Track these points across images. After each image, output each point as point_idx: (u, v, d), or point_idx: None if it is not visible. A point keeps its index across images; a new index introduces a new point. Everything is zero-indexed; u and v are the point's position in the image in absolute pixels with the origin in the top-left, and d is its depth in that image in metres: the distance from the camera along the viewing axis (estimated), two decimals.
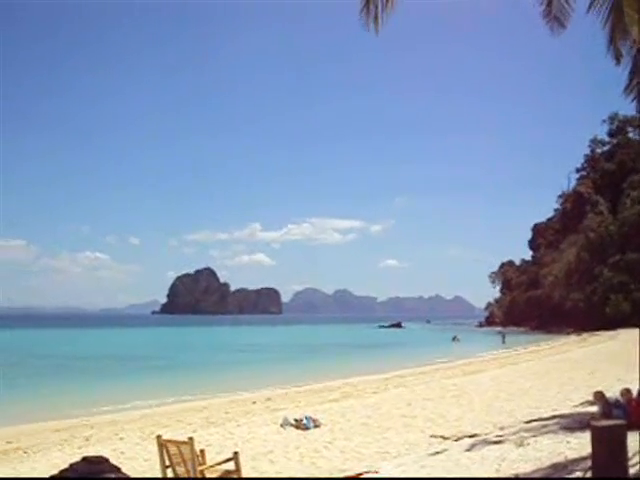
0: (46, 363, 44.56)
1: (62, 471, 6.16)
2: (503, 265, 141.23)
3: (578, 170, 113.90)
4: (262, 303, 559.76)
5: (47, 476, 6.89)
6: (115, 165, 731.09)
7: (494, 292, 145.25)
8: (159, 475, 8.78)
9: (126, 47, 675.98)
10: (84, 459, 6.20)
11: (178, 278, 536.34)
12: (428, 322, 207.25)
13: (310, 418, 16.34)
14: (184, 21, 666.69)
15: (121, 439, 15.87)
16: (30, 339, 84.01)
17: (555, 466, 8.40)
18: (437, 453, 11.22)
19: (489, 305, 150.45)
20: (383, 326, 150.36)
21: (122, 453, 13.30)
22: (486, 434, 13.06)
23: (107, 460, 6.23)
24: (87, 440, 15.94)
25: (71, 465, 6.20)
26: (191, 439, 8.20)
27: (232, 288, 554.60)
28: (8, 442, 16.15)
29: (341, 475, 10.49)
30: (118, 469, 6.20)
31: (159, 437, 8.72)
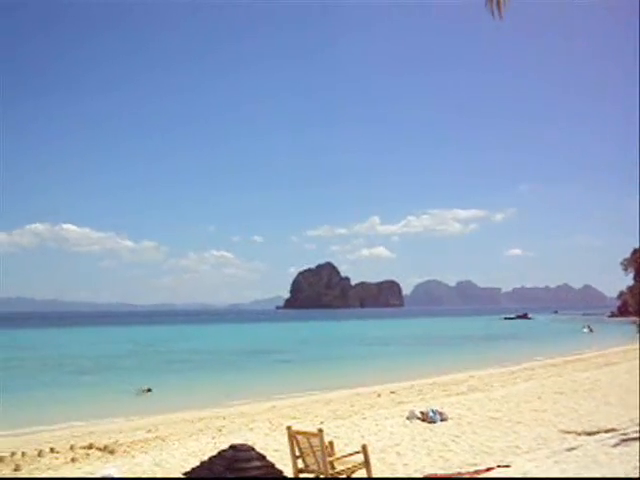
0: (177, 357, 46.72)
1: (212, 457, 6.43)
2: (636, 251, 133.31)
3: None
4: (383, 296, 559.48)
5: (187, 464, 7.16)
6: (237, 167, 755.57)
7: (627, 280, 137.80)
8: (289, 465, 8.98)
9: (244, 35, 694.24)
10: (232, 447, 6.44)
11: (300, 273, 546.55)
12: (556, 312, 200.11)
13: (436, 411, 16.18)
14: (315, 12, 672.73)
15: (251, 430, 16.34)
16: (162, 334, 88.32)
17: None
18: (572, 449, 10.79)
19: (621, 294, 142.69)
20: (509, 317, 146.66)
21: (253, 444, 13.70)
22: (624, 429, 12.42)
23: (253, 448, 6.44)
24: (219, 431, 16.52)
25: (220, 452, 6.46)
26: (321, 431, 8.32)
27: (353, 282, 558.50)
28: (148, 431, 17.05)
29: (471, 469, 10.32)
30: (263, 457, 6.39)
31: (289, 428, 8.91)
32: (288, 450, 9.00)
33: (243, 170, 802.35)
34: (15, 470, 12.32)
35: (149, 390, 27.06)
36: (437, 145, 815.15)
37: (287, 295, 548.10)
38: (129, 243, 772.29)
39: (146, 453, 13.57)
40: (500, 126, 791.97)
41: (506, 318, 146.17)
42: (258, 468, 6.20)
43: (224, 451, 6.40)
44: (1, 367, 40.00)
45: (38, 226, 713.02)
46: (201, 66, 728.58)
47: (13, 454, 13.85)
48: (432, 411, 16.17)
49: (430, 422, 15.56)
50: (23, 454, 13.84)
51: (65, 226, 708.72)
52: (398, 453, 12.11)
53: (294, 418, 17.87)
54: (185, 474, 6.59)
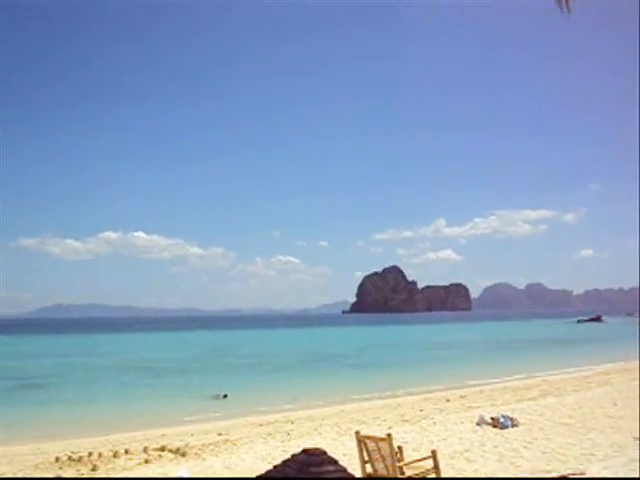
0: (245, 361, 47.36)
1: (285, 461, 6.49)
2: None
3: None
4: (451, 300, 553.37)
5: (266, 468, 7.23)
6: (301, 172, 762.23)
7: None
8: (358, 470, 8.98)
9: (313, 36, 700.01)
10: (304, 451, 6.49)
11: (366, 277, 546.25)
12: (630, 315, 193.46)
13: (507, 417, 15.90)
14: (380, 12, 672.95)
15: (320, 434, 16.40)
16: (230, 339, 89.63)
17: None
18: None
19: None
20: (582, 320, 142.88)
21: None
22: None
23: (325, 452, 6.47)
24: (288, 435, 16.64)
25: (292, 456, 6.52)
26: (389, 435, 8.27)
27: (420, 285, 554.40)
28: (219, 434, 17.33)
29: (544, 476, 10.11)
30: (335, 461, 6.42)
31: (358, 433, 8.90)
32: (356, 455, 8.97)
33: (307, 175, 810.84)
34: (92, 470, 12.75)
35: (225, 396, 27.43)
36: (504, 145, 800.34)
37: (353, 299, 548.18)
38: (197, 250, 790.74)
39: (217, 456, 13.80)
40: (570, 124, 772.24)
41: (579, 321, 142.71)
42: (330, 472, 6.22)
43: (297, 455, 6.45)
44: (75, 372, 41.39)
45: (110, 234, 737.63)
46: (264, 67, 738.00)
47: (90, 454, 14.35)
48: (503, 416, 15.90)
49: (501, 428, 15.30)
50: (100, 455, 14.31)
51: (136, 234, 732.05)
52: (468, 459, 11.95)
53: (362, 423, 17.86)
54: (258, 477, 6.68)
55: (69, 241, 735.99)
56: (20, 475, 12.78)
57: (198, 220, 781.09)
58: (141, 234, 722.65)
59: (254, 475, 9.28)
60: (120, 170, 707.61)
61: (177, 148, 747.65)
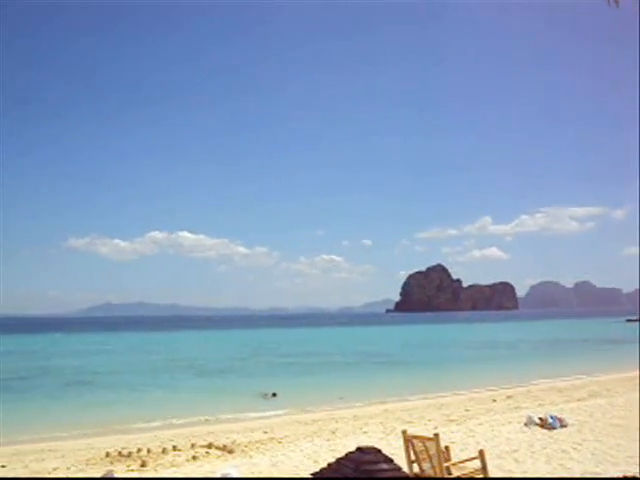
0: (290, 360, 47.59)
1: (339, 459, 6.51)
2: None
3: None
4: (496, 298, 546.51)
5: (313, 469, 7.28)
6: (345, 171, 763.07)
7: None
8: (405, 469, 8.95)
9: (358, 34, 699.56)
10: (358, 449, 6.50)
11: (410, 276, 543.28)
12: None
13: (555, 417, 15.66)
14: (431, 10, 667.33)
15: (365, 433, 16.40)
16: (276, 337, 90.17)
17: None
18: None
19: None
20: (631, 319, 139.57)
21: None
22: None
23: (380, 451, 6.46)
24: (333, 433, 16.68)
25: (347, 454, 6.54)
26: (437, 435, 8.23)
27: (464, 284, 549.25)
28: (264, 432, 17.47)
29: (594, 477, 9.95)
30: (390, 460, 6.41)
31: (405, 432, 8.88)
32: (402, 454, 8.94)
33: (351, 173, 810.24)
34: (142, 466, 12.98)
35: (274, 395, 27.57)
36: (550, 139, 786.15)
37: (397, 298, 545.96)
38: (242, 249, 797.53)
39: (263, 454, 13.90)
40: (617, 119, 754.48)
41: (628, 320, 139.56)
42: (385, 471, 6.20)
43: (350, 453, 6.46)
44: (124, 370, 42.18)
45: (157, 234, 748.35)
46: (310, 64, 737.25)
47: (139, 450, 14.63)
48: (551, 417, 15.67)
49: (549, 428, 15.09)
50: (148, 451, 14.57)
51: (181, 234, 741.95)
52: (516, 460, 11.82)
53: (407, 422, 17.79)
54: (313, 474, 6.71)
55: (117, 241, 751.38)
56: (72, 470, 13.10)
57: (243, 219, 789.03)
58: (187, 234, 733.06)
59: (301, 473, 9.34)
60: (166, 170, 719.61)
61: (222, 147, 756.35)
